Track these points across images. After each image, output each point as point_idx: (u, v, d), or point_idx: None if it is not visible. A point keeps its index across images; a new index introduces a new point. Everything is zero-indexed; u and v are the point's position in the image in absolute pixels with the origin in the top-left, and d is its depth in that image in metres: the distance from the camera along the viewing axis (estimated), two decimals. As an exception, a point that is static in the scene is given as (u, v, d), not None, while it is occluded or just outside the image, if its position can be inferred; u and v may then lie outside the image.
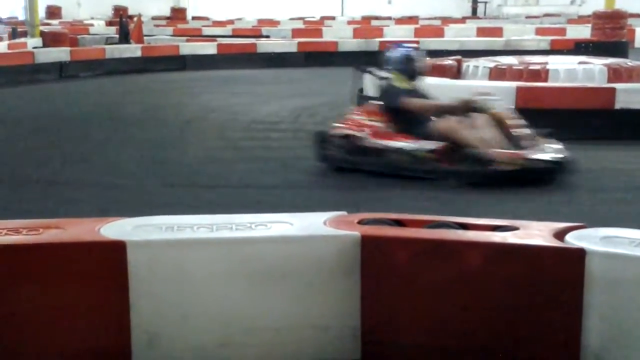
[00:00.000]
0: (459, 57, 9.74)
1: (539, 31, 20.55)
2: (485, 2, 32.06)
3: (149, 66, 15.75)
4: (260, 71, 15.82)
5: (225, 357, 2.72)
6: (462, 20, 27.99)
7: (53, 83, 13.97)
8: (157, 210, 3.30)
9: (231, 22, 26.62)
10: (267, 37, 20.68)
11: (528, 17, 28.74)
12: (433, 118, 6.07)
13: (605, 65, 8.71)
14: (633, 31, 19.77)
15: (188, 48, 16.97)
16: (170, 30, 22.94)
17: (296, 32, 21.35)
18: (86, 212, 4.31)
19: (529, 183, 5.61)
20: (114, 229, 2.78)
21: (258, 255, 2.71)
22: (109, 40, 18.36)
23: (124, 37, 17.61)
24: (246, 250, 2.72)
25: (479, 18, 29.65)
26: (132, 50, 16.32)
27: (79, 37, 19.29)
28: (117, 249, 2.65)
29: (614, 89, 7.79)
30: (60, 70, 14.65)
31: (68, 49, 15.63)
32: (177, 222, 2.86)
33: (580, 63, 9.00)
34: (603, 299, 2.51)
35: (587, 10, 25.85)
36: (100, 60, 15.50)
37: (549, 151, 5.83)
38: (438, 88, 8.29)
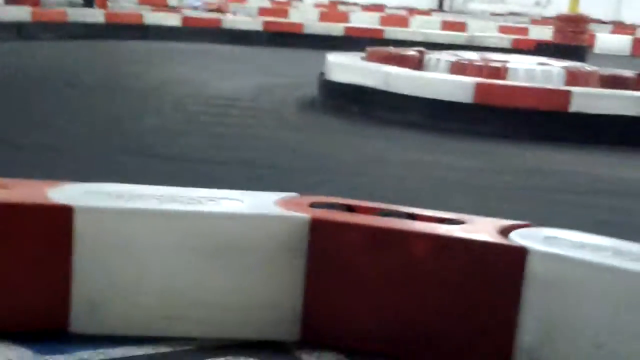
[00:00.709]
0: (421, 48, 9.79)
1: (502, 29, 20.76)
2: (452, -4, 32.23)
3: (111, 33, 15.53)
4: (223, 47, 15.71)
5: (166, 329, 2.72)
6: (428, 12, 28.11)
7: (12, 42, 13.70)
8: (108, 178, 3.27)
9: (198, -6, 26.31)
10: (234, 13, 20.53)
11: (493, 14, 28.98)
12: None
13: (563, 67, 8.83)
14: (593, 36, 20.10)
15: (152, 18, 16.77)
16: (135, -2, 22.62)
17: (263, 11, 21.24)
18: (35, 175, 4.24)
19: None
20: (63, 193, 2.76)
21: (206, 230, 2.71)
22: (72, 3, 18.04)
23: (88, 1, 17.35)
24: (194, 224, 2.72)
25: (444, 11, 29.80)
26: (95, 15, 16.09)
27: (41, -3, 18.93)
28: (64, 213, 2.63)
29: (569, 92, 7.91)
30: (19, 30, 14.37)
31: (29, 8, 15.31)
32: (128, 191, 2.85)
33: (539, 64, 9.11)
34: (540, 298, 2.57)
35: (551, 12, 26.15)
36: (61, 22, 15.23)
37: None
38: (399, 78, 8.37)
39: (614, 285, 2.48)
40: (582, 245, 2.65)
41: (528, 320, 2.59)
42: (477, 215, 2.99)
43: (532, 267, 2.57)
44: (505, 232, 2.76)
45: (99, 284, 2.68)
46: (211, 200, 2.83)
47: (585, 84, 8.59)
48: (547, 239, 2.70)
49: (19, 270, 2.64)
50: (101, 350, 2.60)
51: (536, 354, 2.59)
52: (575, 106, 7.80)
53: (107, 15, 16.22)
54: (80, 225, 2.63)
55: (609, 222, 4.92)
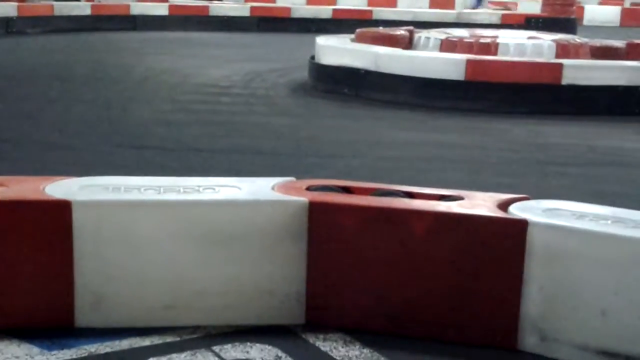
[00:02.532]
0: (411, 27, 9.77)
1: (491, 5, 20.71)
2: (440, -26, 32.10)
3: (99, 25, 15.49)
4: (212, 34, 15.66)
5: (171, 319, 2.72)
6: (416, -10, 27.98)
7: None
8: (104, 171, 3.27)
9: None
10: (221, 0, 20.43)
11: (481, -10, 28.88)
12: None
13: (553, 40, 8.83)
14: (582, 8, 20.10)
15: (139, 8, 16.70)
16: (121, -12, 22.49)
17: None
18: (31, 171, 4.25)
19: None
20: (60, 188, 2.75)
21: (205, 219, 2.71)
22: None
23: (74, -6, 17.25)
24: (193, 213, 2.72)
25: (432, -11, 29.66)
26: (82, 8, 16.01)
27: (27, -8, 18.82)
28: (62, 208, 2.62)
29: (561, 65, 7.90)
30: (6, 25, 14.30)
31: (15, 4, 15.21)
32: (124, 183, 2.84)
33: (529, 38, 9.10)
34: (543, 269, 2.58)
35: (539, -15, 26.08)
36: (48, 16, 15.18)
37: None
38: (389, 58, 8.36)
39: (616, 253, 2.48)
40: (582, 215, 2.66)
41: (532, 292, 2.60)
42: (475, 190, 2.99)
43: (533, 239, 2.58)
44: (504, 206, 2.76)
45: (101, 278, 2.67)
46: (209, 188, 2.83)
47: (576, 56, 8.60)
48: (547, 211, 2.70)
49: (21, 268, 2.64)
50: (107, 343, 2.60)
51: (542, 324, 2.60)
52: (567, 78, 7.80)
53: (94, 7, 16.15)
54: (78, 219, 2.62)
55: (606, 191, 4.94)
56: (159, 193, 2.75)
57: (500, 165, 5.67)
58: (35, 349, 2.55)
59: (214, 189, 2.83)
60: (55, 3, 16.15)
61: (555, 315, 2.58)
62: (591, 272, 2.51)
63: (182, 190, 2.79)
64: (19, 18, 14.58)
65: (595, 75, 7.88)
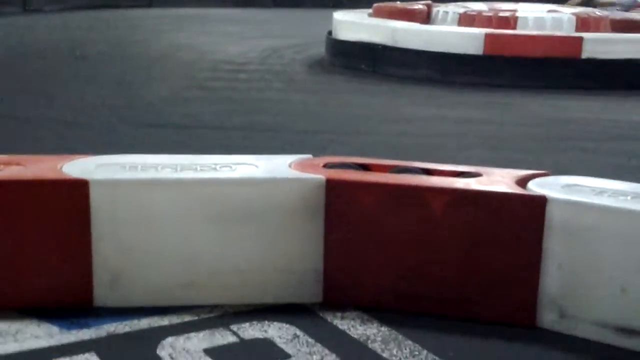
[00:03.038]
0: (429, 1, 9.68)
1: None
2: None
3: (115, 2, 15.46)
4: (228, 10, 15.61)
5: (189, 298, 2.73)
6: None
7: (16, 16, 13.67)
8: (121, 150, 3.26)
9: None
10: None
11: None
12: None
13: (573, 14, 8.72)
14: (603, -20, 19.79)
15: (155, -16, 16.65)
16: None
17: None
18: (48, 149, 4.25)
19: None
20: (77, 167, 2.75)
21: (222, 197, 2.70)
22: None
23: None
24: (210, 191, 2.71)
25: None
26: (98, -16, 15.97)
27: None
28: (79, 187, 2.62)
29: (581, 38, 7.81)
30: (24, 3, 14.32)
31: (32, -19, 15.25)
32: (141, 161, 2.83)
33: (549, 11, 8.99)
34: (562, 246, 2.55)
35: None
36: (65, -7, 15.16)
37: None
38: (406, 33, 8.29)
39: (636, 229, 2.45)
40: (601, 191, 2.63)
41: (551, 269, 2.58)
42: (494, 167, 2.97)
43: (552, 215, 2.56)
44: (523, 182, 2.74)
45: (119, 257, 2.68)
46: (226, 166, 2.82)
47: (596, 29, 8.49)
48: (566, 187, 2.68)
49: (39, 247, 2.65)
50: (126, 322, 2.61)
51: (560, 301, 2.58)
52: (587, 52, 7.71)
53: (111, -16, 16.10)
54: (96, 198, 2.62)
55: (627, 166, 4.89)
56: (176, 171, 2.74)
57: (519, 140, 5.62)
58: (54, 328, 2.56)
59: (230, 167, 2.82)
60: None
61: (574, 292, 2.56)
62: (611, 248, 2.49)
63: (199, 168, 2.78)
64: (36, -4, 14.60)
65: (616, 49, 7.79)
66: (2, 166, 2.74)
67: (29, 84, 7.50)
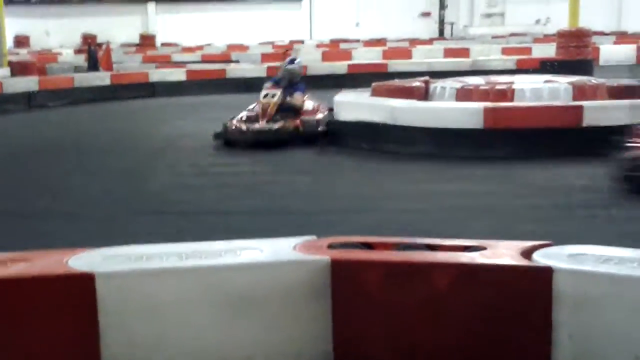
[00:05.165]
0: (426, 78, 9.81)
1: (505, 51, 20.80)
2: (452, 24, 32.42)
3: (118, 94, 15.71)
4: (230, 96, 15.80)
5: (198, 386, 2.70)
6: (430, 41, 28.25)
7: (22, 113, 13.89)
8: (127, 240, 3.26)
9: (200, 47, 26.63)
10: (237, 62, 20.71)
11: (494, 37, 29.10)
12: None
13: (570, 83, 8.81)
14: (597, 49, 20.11)
15: (157, 75, 16.95)
16: (139, 57, 22.90)
17: (265, 57, 21.38)
18: (55, 244, 4.26)
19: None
20: (83, 260, 2.76)
21: (228, 283, 2.70)
22: (77, 69, 18.29)
23: (93, 65, 17.58)
24: (216, 278, 2.71)
25: (446, 39, 29.95)
26: (101, 78, 16.28)
27: (47, 66, 19.20)
28: (86, 280, 2.63)
29: (581, 107, 7.89)
30: (28, 100, 14.57)
31: (36, 78, 15.54)
32: (146, 251, 2.84)
33: (545, 82, 9.09)
34: (571, 317, 2.54)
35: (552, 29, 26.26)
36: (69, 88, 15.42)
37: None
38: (405, 110, 8.38)
39: (644, 296, 2.44)
40: (607, 260, 2.62)
41: (562, 340, 2.55)
42: (498, 239, 2.97)
43: (559, 286, 2.55)
44: (528, 253, 2.73)
45: (128, 348, 2.66)
46: (230, 252, 2.82)
47: (593, 97, 8.56)
48: (571, 257, 2.67)
49: (47, 344, 2.63)
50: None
51: (574, 374, 2.55)
52: (587, 120, 7.77)
53: (114, 77, 16.40)
54: (102, 291, 2.63)
55: (631, 233, 4.87)
56: (181, 260, 2.75)
57: (523, 211, 5.63)
58: None
59: (235, 252, 2.82)
60: (75, 75, 16.44)
61: (587, 362, 2.53)
62: (621, 316, 2.47)
63: (203, 255, 2.79)
64: (40, 92, 14.85)
65: (615, 116, 7.84)
66: (9, 263, 2.75)
67: (33, 178, 7.57)
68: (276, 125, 8.86)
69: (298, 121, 8.99)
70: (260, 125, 8.92)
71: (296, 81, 9.66)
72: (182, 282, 2.69)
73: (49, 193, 6.79)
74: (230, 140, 8.85)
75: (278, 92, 9.29)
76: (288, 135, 8.80)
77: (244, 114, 9.34)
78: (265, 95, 9.27)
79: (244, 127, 8.86)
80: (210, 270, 2.71)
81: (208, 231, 5.22)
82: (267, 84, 9.63)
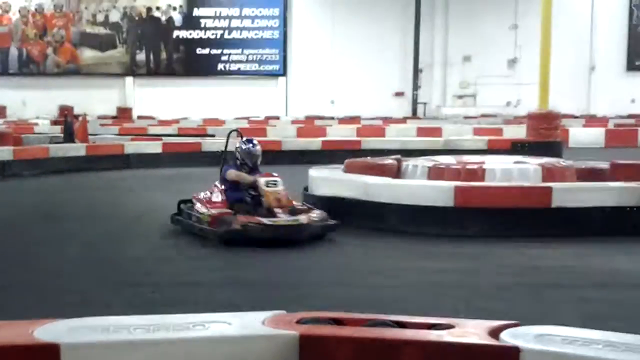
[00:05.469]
0: (398, 156, 9.95)
1: (477, 131, 21.16)
2: (425, 103, 32.97)
3: (93, 165, 15.70)
4: (206, 169, 15.80)
5: None
6: (403, 120, 28.68)
7: (-7, 182, 13.82)
8: (98, 311, 3.25)
9: (177, 121, 26.78)
10: (213, 136, 20.83)
11: (466, 117, 29.62)
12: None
13: (539, 164, 8.97)
14: (567, 131, 20.53)
15: (133, 147, 16.99)
16: (115, 129, 22.94)
17: (241, 132, 21.46)
18: (22, 315, 4.21)
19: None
20: (48, 331, 2.74)
21: (196, 357, 2.69)
22: (53, 139, 18.29)
23: (69, 136, 17.57)
24: (184, 351, 2.70)
25: (419, 118, 30.44)
26: (76, 149, 16.27)
27: (22, 136, 19.18)
28: (51, 351, 2.60)
29: (550, 188, 8.02)
30: (2, 169, 14.51)
31: (10, 147, 15.49)
32: (113, 323, 2.83)
33: (515, 162, 9.26)
34: (537, 396, 2.55)
35: (522, 111, 26.82)
36: (43, 159, 15.38)
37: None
38: (377, 187, 8.47)
39: (608, 377, 2.46)
40: (573, 341, 2.65)
41: (527, 422, 2.55)
42: (468, 317, 2.99)
43: (526, 366, 2.56)
44: (495, 332, 2.75)
45: (90, 421, 2.62)
46: (199, 325, 2.81)
47: (562, 178, 8.72)
48: (538, 337, 2.70)
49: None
50: None
51: None
52: (556, 201, 7.89)
53: (88, 148, 16.40)
54: (67, 361, 2.60)
55: (598, 314, 4.92)
56: (149, 332, 2.74)
57: (491, 290, 5.66)
58: None
59: (204, 325, 2.81)
60: (50, 145, 16.43)
61: None
62: (586, 397, 2.48)
63: (171, 328, 2.78)
64: (14, 161, 14.80)
65: (584, 197, 7.98)
66: (-27, 333, 2.72)
67: (3, 249, 7.48)
68: (302, 219, 7.58)
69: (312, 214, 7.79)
70: (285, 219, 7.56)
71: (258, 164, 8.65)
72: (149, 355, 2.67)
73: (18, 264, 6.71)
74: (244, 238, 7.27)
75: (277, 179, 8.15)
76: (320, 229, 7.64)
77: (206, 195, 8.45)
78: (268, 184, 8.00)
79: (266, 221, 7.41)
80: (177, 344, 2.70)
81: (179, 303, 5.20)
82: (230, 171, 8.56)
